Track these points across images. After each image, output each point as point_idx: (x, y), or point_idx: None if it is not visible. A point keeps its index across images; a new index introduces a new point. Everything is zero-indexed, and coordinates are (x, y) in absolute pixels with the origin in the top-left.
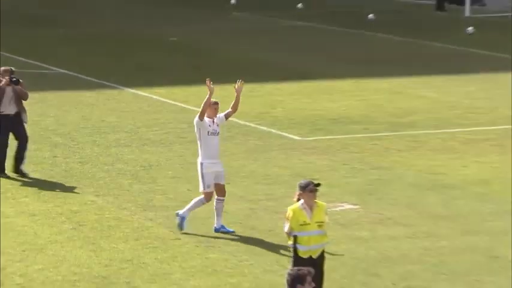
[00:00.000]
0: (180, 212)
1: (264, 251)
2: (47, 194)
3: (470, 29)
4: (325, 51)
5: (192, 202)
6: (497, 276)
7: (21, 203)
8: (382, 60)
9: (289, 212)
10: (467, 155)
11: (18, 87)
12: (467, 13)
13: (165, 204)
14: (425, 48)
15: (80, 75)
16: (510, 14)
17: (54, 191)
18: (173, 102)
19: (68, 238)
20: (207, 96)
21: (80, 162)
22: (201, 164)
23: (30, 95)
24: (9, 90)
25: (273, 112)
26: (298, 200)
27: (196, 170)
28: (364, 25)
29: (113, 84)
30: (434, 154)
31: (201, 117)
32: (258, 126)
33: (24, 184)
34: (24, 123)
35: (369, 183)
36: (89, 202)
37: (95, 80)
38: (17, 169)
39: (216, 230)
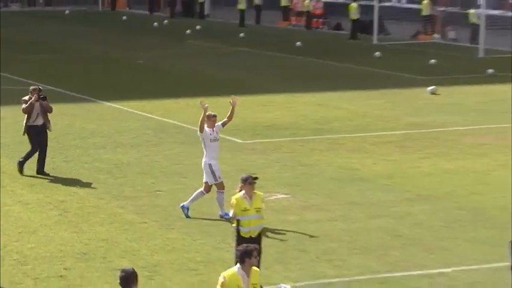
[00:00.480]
0: (185, 203)
1: (213, 232)
2: (38, 187)
3: (377, 53)
4: (262, 71)
5: (194, 194)
6: (400, 250)
7: (18, 194)
8: (308, 78)
9: (233, 200)
10: (376, 154)
11: (45, 102)
12: (375, 41)
13: (134, 194)
14: (342, 69)
15: (65, 91)
16: (408, 41)
17: (44, 184)
18: (140, 113)
19: (55, 222)
20: (202, 114)
21: (65, 161)
22: (210, 164)
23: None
24: (37, 105)
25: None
26: (241, 190)
27: (159, 167)
28: (294, 51)
29: (92, 98)
30: (350, 153)
31: (201, 130)
32: None
33: (20, 179)
34: (48, 131)
35: (297, 177)
36: (72, 193)
37: (78, 95)
38: (40, 171)
39: (222, 217)
